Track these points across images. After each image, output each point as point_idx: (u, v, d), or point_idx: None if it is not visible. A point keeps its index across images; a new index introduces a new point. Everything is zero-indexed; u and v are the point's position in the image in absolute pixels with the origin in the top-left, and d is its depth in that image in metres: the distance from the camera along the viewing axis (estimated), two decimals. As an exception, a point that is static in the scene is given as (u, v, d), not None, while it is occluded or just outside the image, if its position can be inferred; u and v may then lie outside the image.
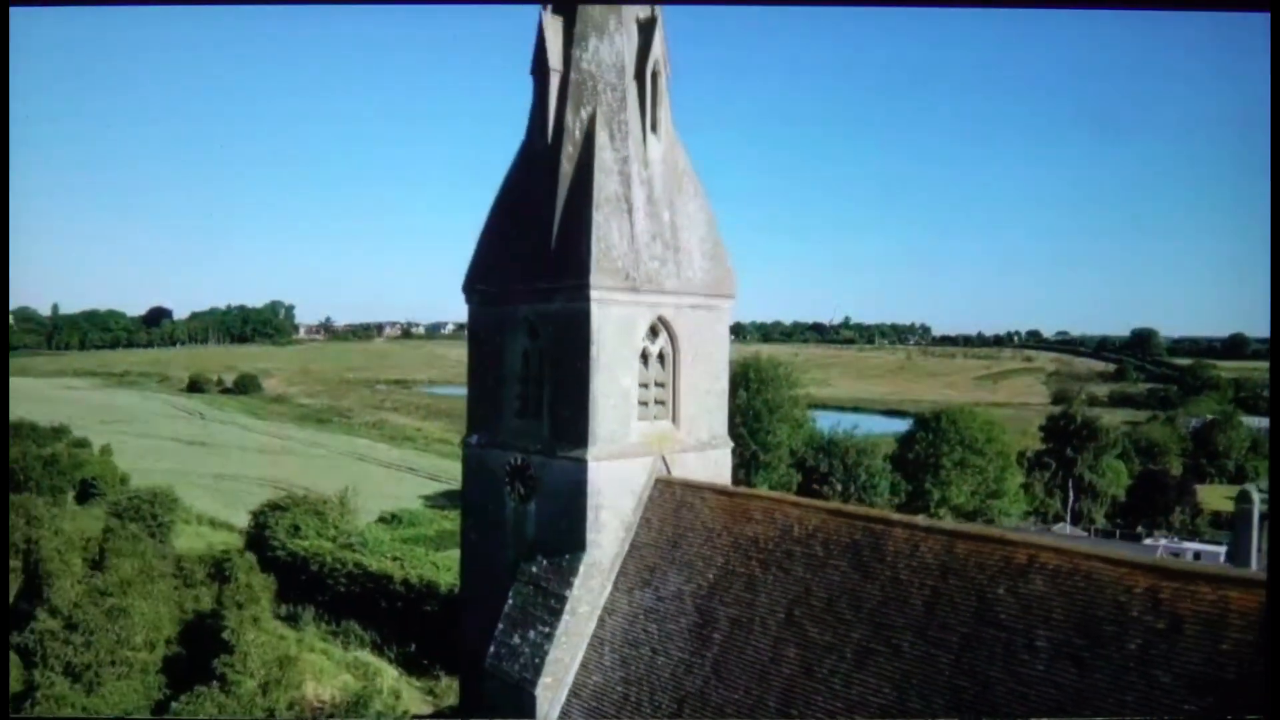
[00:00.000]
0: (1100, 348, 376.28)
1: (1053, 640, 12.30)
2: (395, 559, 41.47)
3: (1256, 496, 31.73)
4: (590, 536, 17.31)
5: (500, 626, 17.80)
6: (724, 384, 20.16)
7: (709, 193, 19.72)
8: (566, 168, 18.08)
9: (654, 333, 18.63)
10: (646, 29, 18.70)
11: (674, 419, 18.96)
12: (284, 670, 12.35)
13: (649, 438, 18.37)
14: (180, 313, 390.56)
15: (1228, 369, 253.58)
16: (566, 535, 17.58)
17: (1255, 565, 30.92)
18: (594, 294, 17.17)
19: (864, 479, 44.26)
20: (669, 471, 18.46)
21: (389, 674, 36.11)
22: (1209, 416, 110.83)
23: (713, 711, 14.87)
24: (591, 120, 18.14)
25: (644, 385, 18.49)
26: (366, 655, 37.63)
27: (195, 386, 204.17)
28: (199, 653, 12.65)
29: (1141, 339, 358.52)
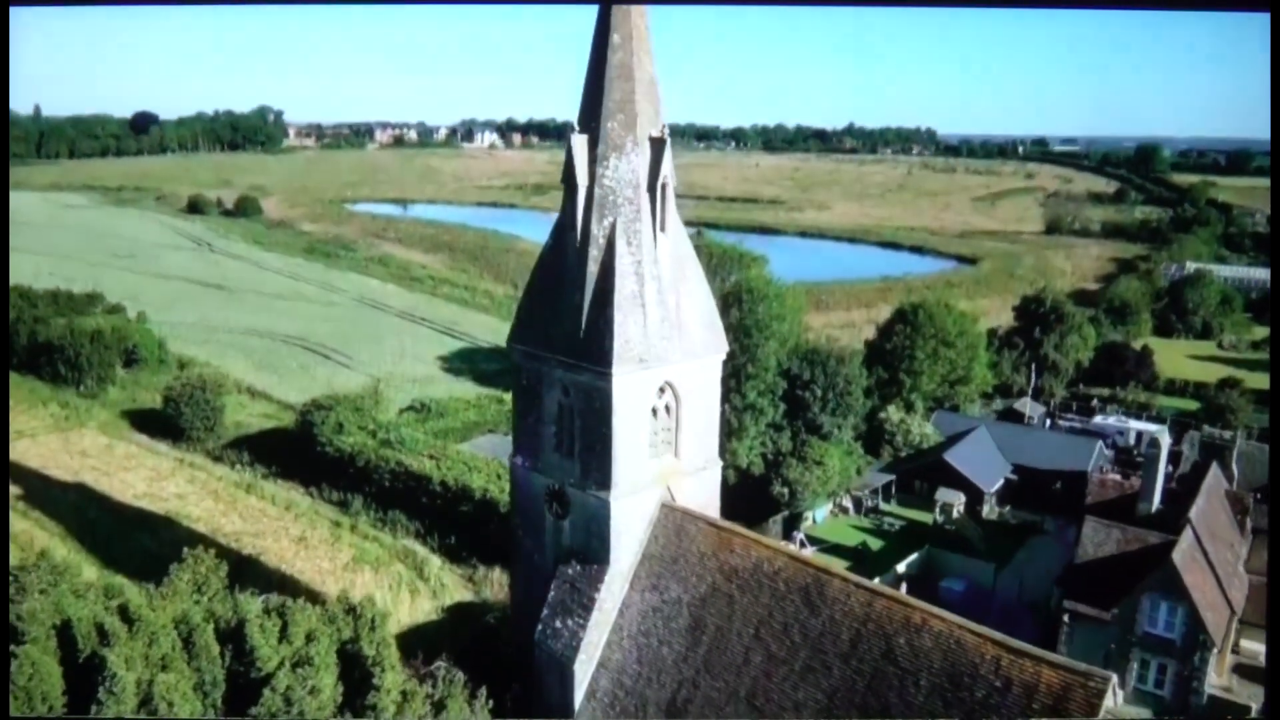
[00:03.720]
0: (1104, 163, 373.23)
1: (931, 682, 18.27)
2: (432, 458, 47.68)
3: (1165, 441, 37.28)
4: (613, 554, 23.03)
5: (546, 612, 23.91)
6: (715, 415, 25.25)
7: None
8: (592, 268, 22.23)
9: (661, 391, 23.48)
10: (658, 146, 22.21)
11: (676, 452, 24.21)
12: (408, 700, 17.95)
13: (657, 473, 23.69)
14: (166, 116, 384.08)
15: (1229, 188, 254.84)
16: (594, 550, 23.31)
17: (1158, 501, 36.96)
18: (615, 378, 21.88)
19: (841, 386, 49.67)
20: (672, 496, 23.94)
21: (434, 563, 43.20)
22: (1188, 268, 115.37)
23: (701, 694, 21.18)
24: (612, 229, 22.10)
25: (653, 432, 23.58)
26: (413, 544, 44.63)
27: (195, 208, 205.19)
28: (349, 680, 18.27)
29: (1145, 155, 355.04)
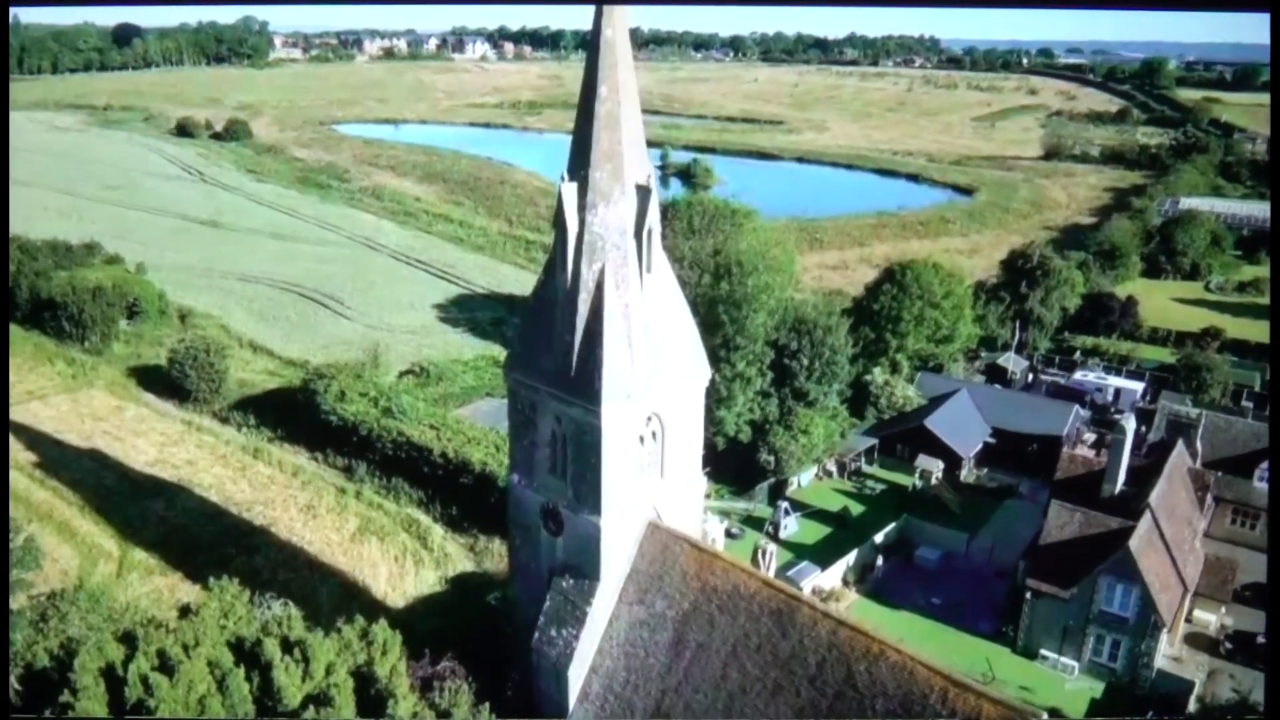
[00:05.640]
0: (1108, 77, 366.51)
1: (886, 707, 20.39)
2: (433, 428, 49.39)
3: (1129, 426, 39.02)
4: (603, 570, 24.96)
5: (541, 620, 25.98)
6: (699, 435, 26.84)
7: None
8: (583, 310, 23.48)
9: (648, 421, 25.01)
10: (643, 194, 23.18)
11: (661, 473, 25.89)
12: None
13: (644, 494, 25.40)
14: (148, 26, 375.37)
15: (1233, 105, 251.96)
16: (586, 566, 25.22)
17: (1120, 483, 38.84)
18: (605, 415, 23.37)
19: (827, 355, 51.11)
20: (659, 515, 25.74)
21: (437, 532, 45.37)
22: (1181, 205, 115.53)
23: (683, 703, 23.40)
24: (601, 273, 23.25)
25: (640, 457, 25.20)
26: (416, 513, 46.70)
27: (184, 130, 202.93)
28: (364, 698, 20.33)
29: (1151, 69, 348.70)
